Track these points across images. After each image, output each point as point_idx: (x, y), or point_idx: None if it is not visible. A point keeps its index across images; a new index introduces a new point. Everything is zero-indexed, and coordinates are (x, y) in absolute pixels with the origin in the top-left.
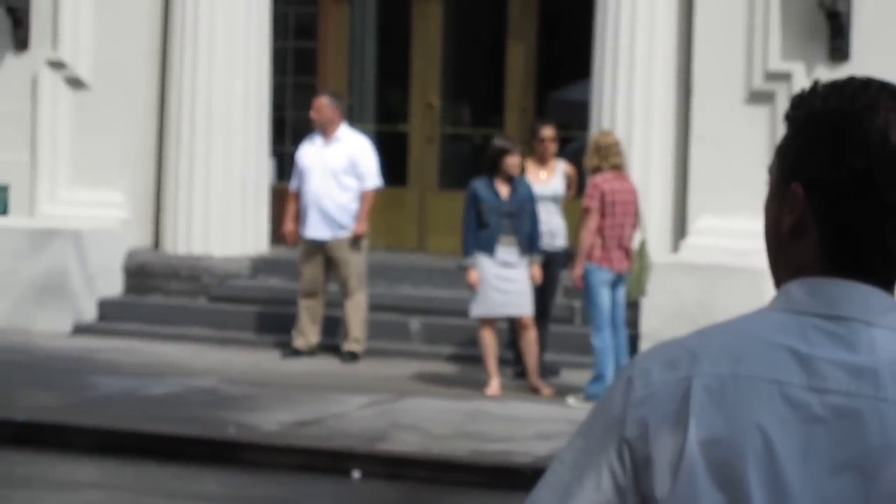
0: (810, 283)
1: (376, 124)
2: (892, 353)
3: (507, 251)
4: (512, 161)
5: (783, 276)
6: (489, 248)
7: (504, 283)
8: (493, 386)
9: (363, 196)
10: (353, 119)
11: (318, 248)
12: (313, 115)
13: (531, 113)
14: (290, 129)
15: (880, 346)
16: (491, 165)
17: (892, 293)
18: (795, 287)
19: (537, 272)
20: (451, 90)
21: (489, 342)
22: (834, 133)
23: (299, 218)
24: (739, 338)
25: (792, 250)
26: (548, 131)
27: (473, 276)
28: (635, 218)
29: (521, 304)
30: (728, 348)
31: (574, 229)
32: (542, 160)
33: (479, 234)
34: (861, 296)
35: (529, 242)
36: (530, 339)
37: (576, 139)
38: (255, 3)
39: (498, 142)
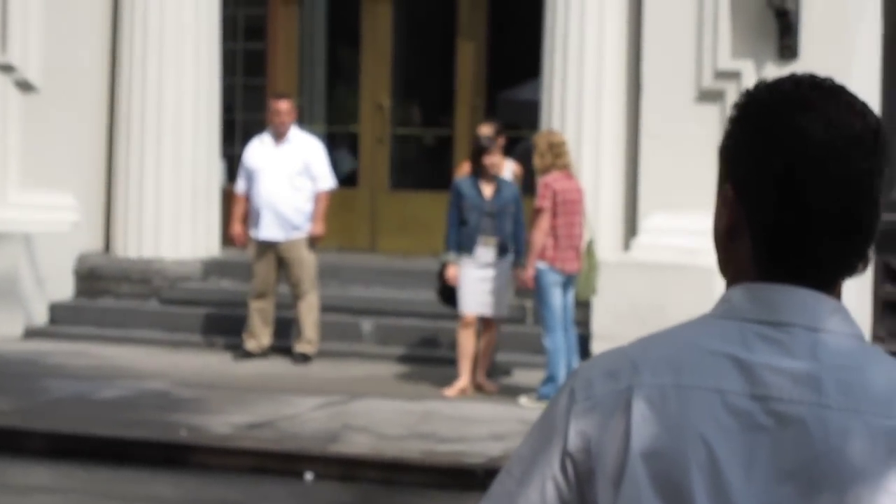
0: (751, 288)
1: (326, 125)
2: (834, 359)
3: (486, 252)
4: (489, 160)
5: (728, 278)
6: (469, 247)
7: (480, 283)
8: (458, 386)
9: (318, 197)
10: (304, 120)
11: (271, 249)
12: (276, 118)
13: (482, 112)
14: (239, 130)
15: (822, 351)
16: (475, 164)
17: (833, 294)
18: (736, 293)
19: (524, 275)
20: (402, 90)
21: (466, 344)
22: (756, 132)
23: (248, 219)
24: (680, 346)
25: (732, 252)
26: (485, 129)
27: (452, 271)
28: (583, 217)
29: (493, 304)
30: (669, 358)
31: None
32: None
33: (460, 231)
34: (802, 300)
35: (514, 242)
36: (491, 340)
37: (525, 139)
38: (204, 4)
39: (479, 140)
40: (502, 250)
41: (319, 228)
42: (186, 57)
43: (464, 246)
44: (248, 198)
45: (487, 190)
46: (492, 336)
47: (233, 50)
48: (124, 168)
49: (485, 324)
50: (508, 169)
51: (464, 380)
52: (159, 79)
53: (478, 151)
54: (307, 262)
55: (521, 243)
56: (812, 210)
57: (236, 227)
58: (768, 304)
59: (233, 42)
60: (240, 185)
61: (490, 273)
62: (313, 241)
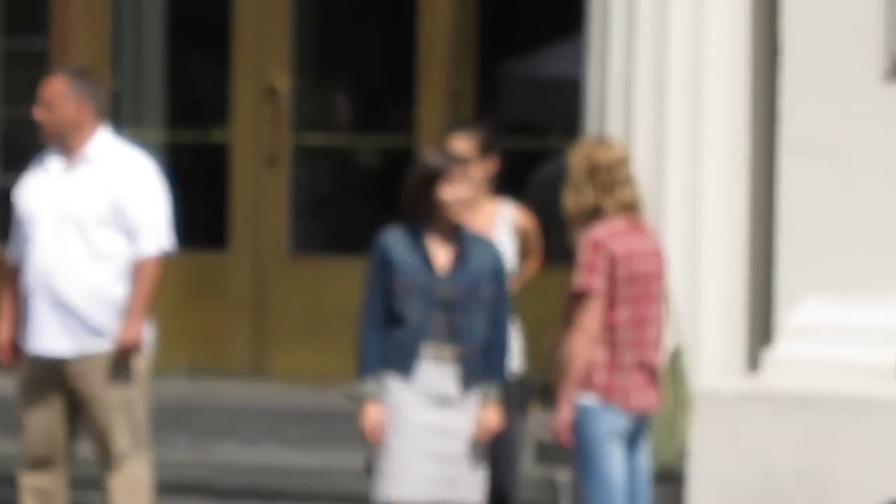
0: None
1: (165, 129)
2: None
3: (440, 374)
4: (452, 195)
5: None
6: (404, 365)
7: (437, 438)
8: None
9: (138, 269)
10: (123, 120)
11: (54, 375)
12: (41, 113)
13: (469, 101)
14: (1, 139)
15: None
16: (416, 205)
17: None
18: None
19: (494, 419)
20: (313, 63)
21: None
22: None
23: (20, 315)
24: None
25: None
26: (460, 143)
27: (374, 415)
28: (663, 307)
29: (467, 482)
30: None
31: (536, 335)
32: None
33: (389, 337)
34: None
35: (488, 362)
36: None
37: (548, 155)
38: None
39: (426, 160)
40: (471, 372)
41: (133, 331)
42: None
43: (395, 363)
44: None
45: (442, 255)
46: None
47: None
48: None
49: None
50: (503, 219)
51: None
52: None
53: (425, 180)
54: (118, 401)
55: (501, 363)
56: None
57: (3, 332)
58: None
59: None
60: (11, 250)
61: (451, 419)
62: (124, 358)
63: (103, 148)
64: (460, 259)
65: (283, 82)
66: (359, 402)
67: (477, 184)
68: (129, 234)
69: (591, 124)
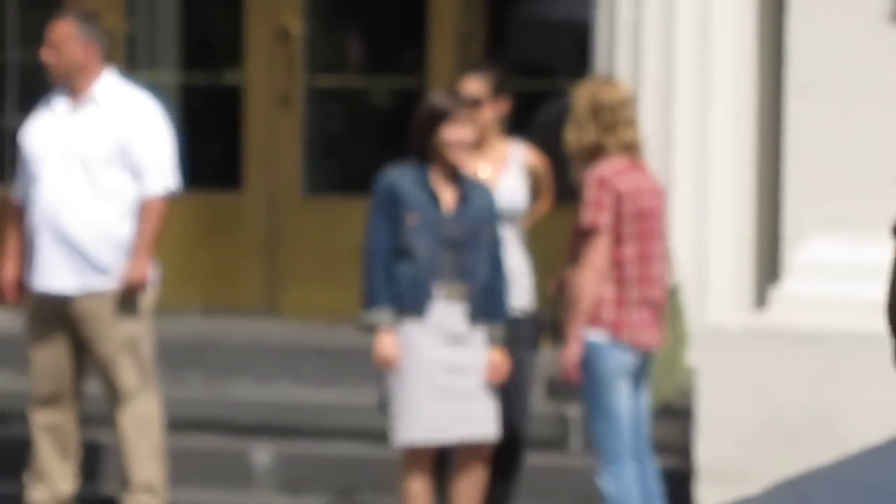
0: None
1: (180, 71)
2: None
3: (451, 311)
4: (453, 136)
5: None
6: (417, 303)
7: (451, 375)
8: None
9: (144, 208)
10: (138, 62)
11: (59, 312)
12: (49, 55)
13: (479, 43)
14: (14, 84)
15: None
16: (421, 146)
17: None
18: None
19: (501, 360)
20: (325, 7)
21: (419, 495)
22: None
23: (26, 253)
24: (867, 499)
25: None
26: (473, 85)
27: (388, 342)
28: (664, 244)
29: (481, 418)
30: None
31: (547, 273)
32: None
33: (398, 271)
34: None
35: (489, 300)
36: (479, 480)
37: (556, 96)
38: None
39: (432, 101)
40: (478, 311)
41: (139, 269)
42: None
43: (407, 301)
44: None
45: (447, 194)
46: (481, 477)
47: None
48: None
49: (463, 455)
50: (514, 160)
51: None
52: None
53: (430, 121)
54: (130, 338)
55: (503, 304)
56: None
57: (8, 270)
58: None
59: None
60: (17, 189)
61: (465, 355)
62: (131, 295)
63: (109, 89)
64: (464, 199)
65: (296, 25)
66: (371, 331)
67: (490, 124)
68: (135, 173)
69: (599, 67)
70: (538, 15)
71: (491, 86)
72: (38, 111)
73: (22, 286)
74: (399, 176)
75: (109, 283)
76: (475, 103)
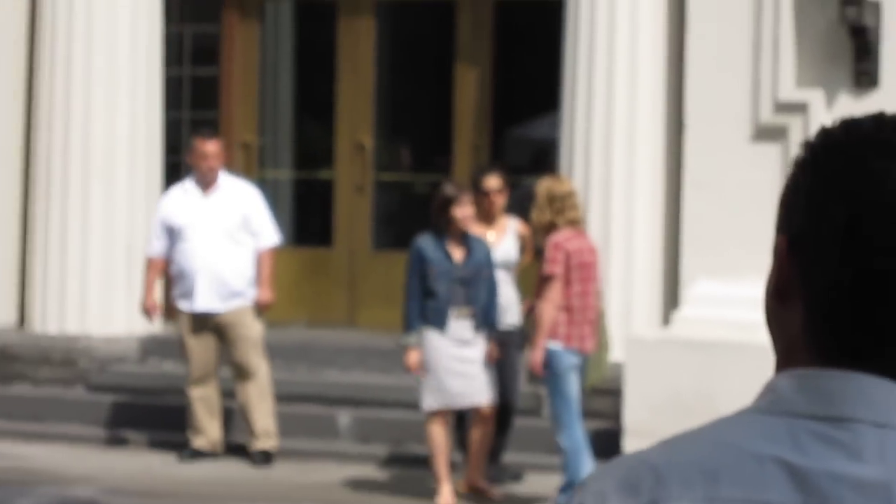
0: (801, 375)
1: (293, 170)
2: None
3: (461, 326)
4: (460, 213)
5: (777, 354)
6: (439, 323)
7: (461, 364)
8: (445, 494)
9: (262, 257)
10: (265, 164)
11: (207, 324)
12: (202, 162)
13: (486, 153)
14: (186, 176)
15: (893, 452)
16: (439, 220)
17: None
18: (784, 380)
19: (494, 350)
20: (387, 127)
21: (440, 440)
22: (819, 174)
23: (174, 287)
24: (715, 450)
25: (782, 319)
26: (493, 181)
27: (414, 357)
28: (597, 284)
29: (482, 389)
30: (702, 464)
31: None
32: (487, 217)
33: (425, 304)
34: (866, 389)
35: (485, 315)
36: (486, 433)
37: (520, 186)
38: (143, 22)
39: (444, 190)
40: (480, 323)
41: (268, 294)
42: (120, 87)
43: (432, 322)
44: (168, 261)
45: (457, 252)
46: (488, 430)
47: (178, 77)
48: (43, 226)
49: (479, 416)
50: (511, 228)
51: (445, 488)
52: (86, 113)
53: (444, 204)
54: (253, 337)
55: (494, 316)
56: (877, 273)
57: (149, 299)
58: (824, 394)
59: (178, 67)
60: (155, 246)
61: (470, 353)
62: (260, 311)
63: (226, 180)
64: (468, 253)
65: (368, 140)
66: (405, 348)
67: (500, 206)
68: (253, 234)
69: (563, 168)
70: (522, 134)
71: (504, 180)
72: (173, 194)
73: (157, 310)
74: (424, 242)
75: (245, 303)
76: (495, 192)
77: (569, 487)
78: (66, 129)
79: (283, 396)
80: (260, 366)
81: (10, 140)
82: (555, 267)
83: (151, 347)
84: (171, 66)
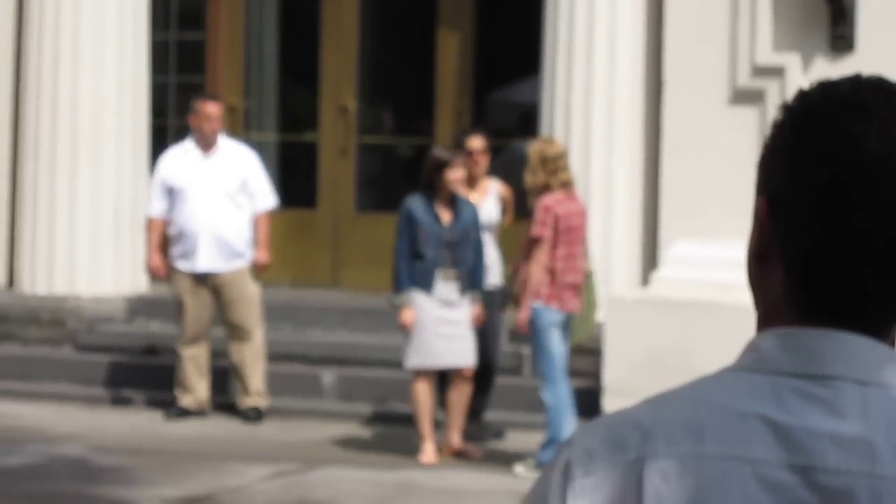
0: (784, 333)
1: (278, 133)
2: (889, 419)
3: (447, 287)
4: (452, 176)
5: (759, 314)
6: (426, 284)
7: (446, 326)
8: (428, 452)
9: (259, 219)
10: (251, 126)
11: (205, 284)
12: (205, 124)
13: (468, 117)
14: (173, 139)
15: (874, 409)
16: (429, 182)
17: (886, 340)
18: (766, 339)
19: (479, 313)
20: (371, 91)
21: (423, 398)
22: (799, 137)
23: (173, 247)
24: (700, 407)
25: (763, 280)
26: (476, 142)
27: (408, 316)
28: (585, 246)
29: (465, 352)
30: (687, 421)
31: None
32: (469, 179)
33: (413, 265)
34: (847, 347)
35: (472, 278)
36: (466, 393)
37: (511, 148)
38: None
39: (436, 153)
40: (466, 285)
41: (266, 255)
42: (107, 52)
43: (419, 283)
44: (167, 221)
45: (445, 214)
46: (467, 390)
47: (164, 42)
48: (31, 188)
49: (459, 376)
50: (493, 190)
51: (428, 446)
52: (74, 77)
53: (436, 166)
54: (251, 297)
55: (481, 278)
56: (857, 233)
57: (155, 259)
58: (805, 352)
59: (164, 32)
60: (156, 207)
61: (455, 314)
62: (257, 272)
63: (225, 143)
64: (456, 216)
65: (351, 103)
66: (397, 307)
67: (483, 167)
68: (250, 196)
69: (544, 130)
70: (504, 98)
71: (486, 142)
72: (173, 155)
73: (165, 269)
74: (413, 203)
75: (244, 264)
76: (479, 153)
77: (551, 444)
78: (54, 93)
79: (269, 356)
80: (257, 327)
81: (0, 108)
82: (543, 230)
83: (139, 307)
84: (157, 30)
